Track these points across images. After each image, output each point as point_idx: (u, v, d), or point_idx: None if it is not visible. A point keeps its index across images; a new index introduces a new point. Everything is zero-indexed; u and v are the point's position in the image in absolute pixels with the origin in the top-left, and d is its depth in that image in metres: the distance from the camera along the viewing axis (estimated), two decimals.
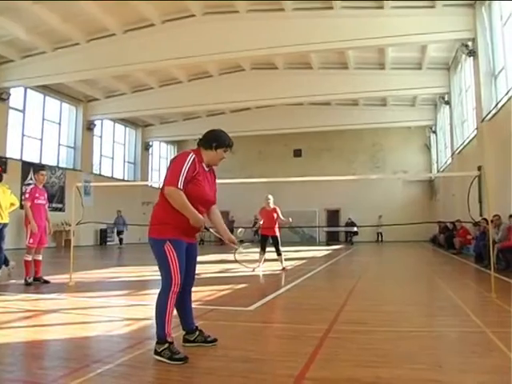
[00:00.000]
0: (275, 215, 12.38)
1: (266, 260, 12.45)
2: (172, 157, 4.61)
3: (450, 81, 23.29)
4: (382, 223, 30.08)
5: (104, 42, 19.95)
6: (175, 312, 4.31)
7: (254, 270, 11.58)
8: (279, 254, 12.25)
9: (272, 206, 12.47)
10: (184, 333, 4.55)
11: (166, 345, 4.04)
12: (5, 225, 10.18)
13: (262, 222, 12.71)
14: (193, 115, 32.44)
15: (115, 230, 27.18)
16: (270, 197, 12.57)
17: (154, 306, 4.17)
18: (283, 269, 11.99)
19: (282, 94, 24.29)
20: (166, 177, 4.17)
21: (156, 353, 4.05)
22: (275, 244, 12.32)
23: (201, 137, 4.42)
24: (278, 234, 12.42)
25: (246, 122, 30.84)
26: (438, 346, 4.61)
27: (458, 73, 22.08)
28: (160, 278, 4.19)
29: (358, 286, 9.14)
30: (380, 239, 32.60)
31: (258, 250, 12.09)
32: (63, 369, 3.83)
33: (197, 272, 4.68)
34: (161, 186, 4.25)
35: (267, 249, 12.37)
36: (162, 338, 4.06)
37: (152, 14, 18.64)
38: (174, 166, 4.16)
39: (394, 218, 24.90)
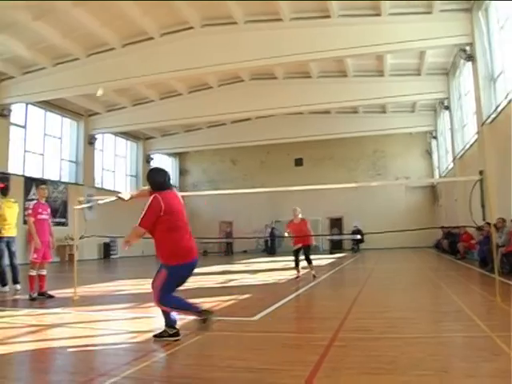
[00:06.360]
0: (306, 227, 12.42)
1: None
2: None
3: (449, 86, 23.32)
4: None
5: (103, 57, 20.03)
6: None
7: (297, 279, 11.97)
8: (310, 262, 12.36)
9: (300, 218, 12.44)
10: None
11: None
12: (11, 238, 10.35)
13: (286, 234, 12.85)
14: (194, 127, 32.54)
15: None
16: (298, 209, 12.51)
17: None
18: (314, 276, 12.06)
19: (282, 104, 24.34)
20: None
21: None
22: (306, 253, 12.40)
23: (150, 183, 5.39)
24: (311, 242, 12.62)
25: (246, 132, 30.90)
26: (443, 351, 4.60)
27: (457, 78, 22.12)
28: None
29: (362, 294, 9.12)
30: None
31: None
32: (69, 382, 3.84)
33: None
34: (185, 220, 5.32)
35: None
36: None
37: (150, 27, 18.72)
38: None
39: (398, 224, 24.82)
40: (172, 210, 5.10)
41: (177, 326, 5.24)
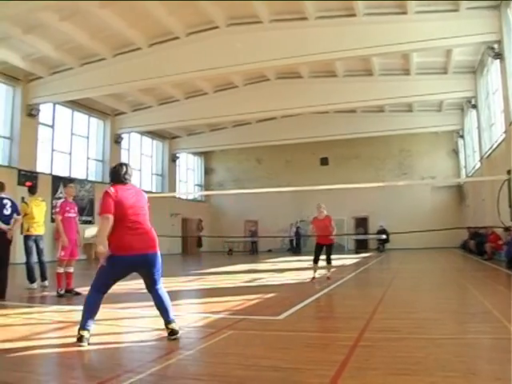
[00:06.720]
0: (329, 224, 12.01)
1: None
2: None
3: (477, 84, 23.03)
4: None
5: (130, 57, 20.17)
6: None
7: (312, 281, 11.60)
8: (329, 262, 12.11)
9: (325, 214, 12.14)
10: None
11: None
12: (39, 236, 10.57)
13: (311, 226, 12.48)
14: (219, 126, 32.61)
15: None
16: (322, 205, 12.20)
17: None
18: (328, 278, 11.77)
19: (308, 103, 24.25)
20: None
21: None
22: (329, 252, 12.09)
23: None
24: (333, 241, 12.28)
25: (272, 131, 30.84)
26: (470, 353, 4.55)
27: (485, 76, 21.83)
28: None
29: (388, 294, 9.06)
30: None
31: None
32: (95, 379, 3.87)
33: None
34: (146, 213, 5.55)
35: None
36: None
37: (176, 26, 18.80)
38: None
39: (423, 224, 24.60)
40: (122, 203, 5.19)
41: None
